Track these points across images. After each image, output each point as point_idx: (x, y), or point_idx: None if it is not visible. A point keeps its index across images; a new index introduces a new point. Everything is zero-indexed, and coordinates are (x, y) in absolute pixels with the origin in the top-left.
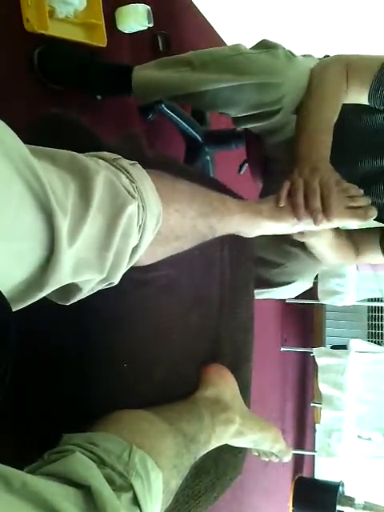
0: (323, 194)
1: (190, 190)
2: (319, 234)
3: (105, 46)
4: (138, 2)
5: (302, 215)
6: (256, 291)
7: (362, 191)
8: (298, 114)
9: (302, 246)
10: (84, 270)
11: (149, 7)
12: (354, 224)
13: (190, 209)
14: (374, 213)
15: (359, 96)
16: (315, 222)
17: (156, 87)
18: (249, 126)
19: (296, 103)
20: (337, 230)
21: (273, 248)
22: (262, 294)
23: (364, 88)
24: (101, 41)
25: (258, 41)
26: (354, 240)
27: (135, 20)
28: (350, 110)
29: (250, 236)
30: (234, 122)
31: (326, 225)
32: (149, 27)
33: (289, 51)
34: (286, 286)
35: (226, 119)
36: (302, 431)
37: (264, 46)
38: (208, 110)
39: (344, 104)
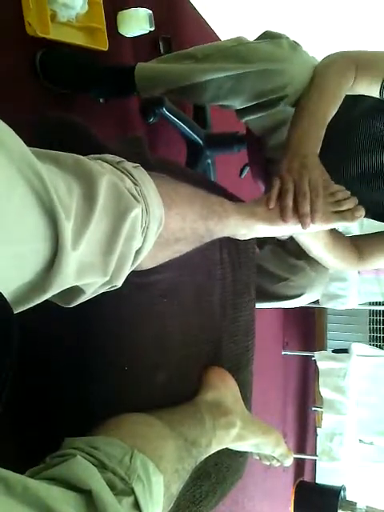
0: (311, 197)
1: (190, 192)
2: (313, 235)
3: (106, 49)
4: (140, 6)
5: (290, 218)
6: (264, 304)
7: (349, 193)
8: (296, 106)
9: (307, 259)
10: (87, 273)
11: (150, 11)
12: (346, 225)
13: (190, 212)
14: (362, 213)
15: (368, 89)
16: (303, 225)
17: (159, 78)
18: (253, 116)
19: (300, 92)
20: (333, 233)
21: (278, 262)
22: (268, 305)
23: (375, 82)
24: (102, 45)
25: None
26: (359, 244)
27: (136, 24)
28: (361, 113)
29: (246, 238)
30: (237, 114)
31: (313, 227)
32: (150, 31)
33: (293, 41)
34: (294, 299)
35: (227, 123)
36: (303, 435)
37: (267, 36)
38: (212, 102)
39: (358, 106)
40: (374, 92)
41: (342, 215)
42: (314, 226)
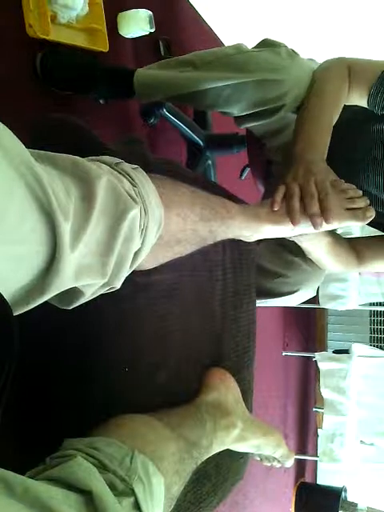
0: (320, 197)
1: (191, 194)
2: (314, 239)
3: (106, 50)
4: (140, 7)
5: (298, 220)
6: (260, 301)
7: (360, 192)
8: (298, 114)
9: (304, 256)
10: (86, 275)
11: (150, 12)
12: (355, 226)
13: (191, 213)
14: (373, 213)
15: (360, 98)
16: (314, 226)
17: (158, 85)
18: (251, 124)
19: (299, 101)
20: (334, 235)
21: (274, 258)
22: (264, 302)
23: (364, 91)
24: (103, 46)
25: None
26: (358, 247)
27: (137, 25)
28: (364, 117)
29: (251, 240)
30: (236, 121)
31: (325, 227)
32: (150, 32)
33: (291, 49)
34: (289, 295)
35: (227, 123)
36: (304, 436)
37: (266, 44)
38: (210, 109)
39: (359, 110)
40: (363, 101)
41: (353, 214)
42: (328, 225)
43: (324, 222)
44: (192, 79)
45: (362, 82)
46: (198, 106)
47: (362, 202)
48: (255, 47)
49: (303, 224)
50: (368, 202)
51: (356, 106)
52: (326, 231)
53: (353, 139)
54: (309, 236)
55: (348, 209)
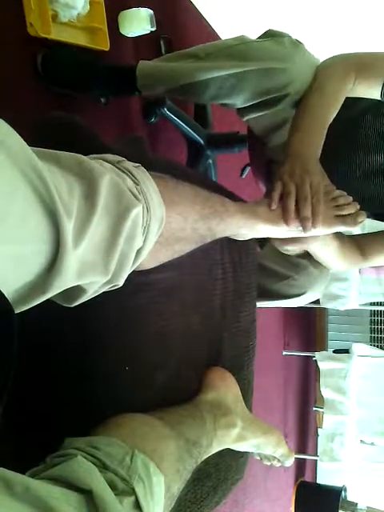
0: (312, 202)
1: (191, 192)
2: (322, 243)
3: (107, 49)
4: (141, 6)
5: (292, 221)
6: (266, 302)
7: (350, 198)
8: (296, 109)
9: (310, 258)
10: (89, 273)
11: (151, 11)
12: (347, 230)
13: (191, 211)
14: (363, 218)
15: (368, 92)
16: (304, 229)
17: (160, 76)
18: (255, 115)
19: (302, 91)
20: (339, 235)
21: (280, 260)
22: (270, 304)
23: (375, 84)
24: (104, 45)
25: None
26: (362, 244)
27: (138, 24)
28: (367, 110)
29: (247, 238)
30: (238, 113)
31: (313, 232)
32: (151, 31)
33: (295, 39)
34: (296, 298)
35: (228, 122)
36: (304, 435)
37: (269, 34)
38: (213, 101)
39: (361, 103)
40: (375, 94)
41: (343, 220)
42: (315, 230)
43: (312, 227)
44: (195, 69)
45: (373, 74)
46: (201, 98)
47: (352, 208)
48: (259, 38)
49: (295, 225)
50: (358, 207)
51: (362, 102)
52: (333, 234)
53: (354, 123)
54: (316, 239)
55: (338, 216)
